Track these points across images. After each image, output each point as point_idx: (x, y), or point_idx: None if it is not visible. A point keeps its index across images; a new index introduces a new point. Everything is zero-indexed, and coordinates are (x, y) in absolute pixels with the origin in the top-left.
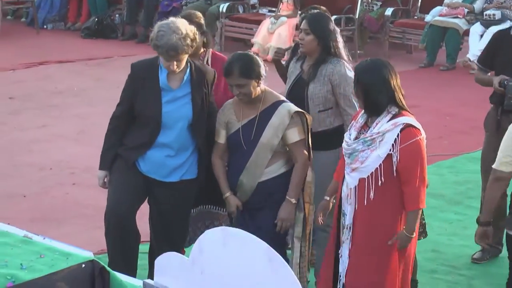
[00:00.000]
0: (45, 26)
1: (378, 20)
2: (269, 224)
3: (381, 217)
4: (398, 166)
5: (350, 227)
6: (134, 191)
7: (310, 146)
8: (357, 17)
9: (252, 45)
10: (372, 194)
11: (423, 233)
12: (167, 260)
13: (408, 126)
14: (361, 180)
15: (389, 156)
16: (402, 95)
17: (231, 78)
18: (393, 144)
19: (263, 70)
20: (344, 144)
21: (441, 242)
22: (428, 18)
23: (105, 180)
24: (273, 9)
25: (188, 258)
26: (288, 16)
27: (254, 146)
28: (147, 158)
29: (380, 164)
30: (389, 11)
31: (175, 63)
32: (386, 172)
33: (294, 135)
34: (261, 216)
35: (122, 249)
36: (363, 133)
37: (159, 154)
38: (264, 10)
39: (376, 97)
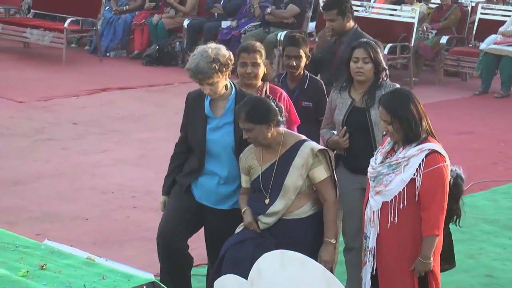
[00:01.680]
0: (107, 54)
1: (433, 48)
2: None
3: (402, 241)
4: (420, 190)
5: (373, 250)
6: (186, 216)
7: (337, 183)
8: (412, 45)
9: None
10: (395, 218)
11: (447, 262)
12: (226, 282)
13: (433, 152)
14: (385, 204)
15: (412, 181)
16: (428, 120)
17: (240, 121)
18: (417, 169)
19: (273, 114)
20: (369, 168)
21: (495, 267)
22: (483, 46)
23: (166, 204)
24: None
25: (246, 280)
26: None
27: (278, 190)
28: (199, 184)
29: (404, 188)
30: (444, 39)
31: (207, 87)
32: (409, 196)
33: (321, 173)
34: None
35: (172, 272)
36: (388, 158)
37: (210, 181)
38: None
39: (417, 128)
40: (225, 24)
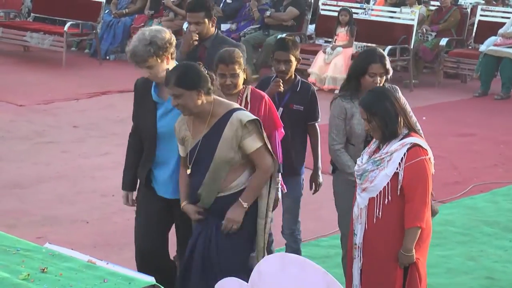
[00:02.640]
0: (107, 57)
1: (433, 50)
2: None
3: (388, 235)
4: (402, 183)
5: (360, 246)
6: (157, 219)
7: (271, 151)
8: (412, 47)
9: (309, 75)
10: (380, 213)
11: None
12: (226, 284)
13: (415, 145)
14: (371, 200)
15: (396, 175)
16: (409, 116)
17: (168, 87)
18: (399, 163)
19: (204, 81)
20: (355, 167)
21: (496, 269)
22: (483, 48)
23: (128, 199)
24: (329, 39)
25: (247, 283)
26: (344, 46)
27: (209, 163)
28: (155, 177)
29: (388, 182)
30: (443, 41)
31: (145, 70)
32: (393, 190)
33: (253, 144)
34: (222, 249)
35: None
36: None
37: (163, 172)
38: (320, 41)
39: (392, 124)
40: (224, 27)
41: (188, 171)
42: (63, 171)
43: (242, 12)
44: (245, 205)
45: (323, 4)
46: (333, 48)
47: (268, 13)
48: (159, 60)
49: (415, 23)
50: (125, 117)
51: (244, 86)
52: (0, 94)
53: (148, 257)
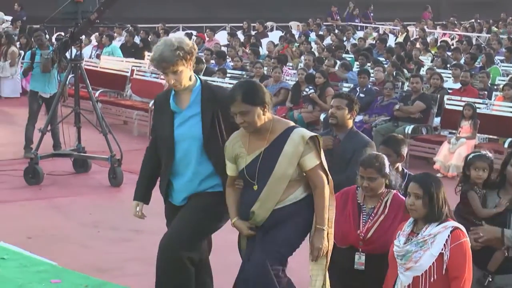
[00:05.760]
0: None
1: None
2: (285, 234)
3: None
4: (448, 263)
5: None
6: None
7: (327, 169)
8: None
9: (434, 162)
10: None
11: None
12: None
13: (456, 228)
14: (415, 278)
15: (440, 255)
16: (450, 207)
17: (234, 105)
18: (444, 244)
19: (268, 97)
20: (395, 248)
21: None
22: None
23: (137, 209)
24: (453, 131)
25: None
26: (467, 138)
27: (266, 178)
28: (175, 189)
29: (433, 262)
30: None
31: (171, 76)
32: (438, 269)
33: (312, 161)
34: (277, 229)
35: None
36: (411, 239)
37: (179, 181)
38: (445, 132)
39: (440, 209)
40: (358, 118)
41: (255, 188)
42: None
43: (373, 105)
44: (324, 227)
45: (448, 99)
46: (457, 139)
47: (397, 106)
48: (186, 65)
49: None
50: None
51: (387, 190)
52: None
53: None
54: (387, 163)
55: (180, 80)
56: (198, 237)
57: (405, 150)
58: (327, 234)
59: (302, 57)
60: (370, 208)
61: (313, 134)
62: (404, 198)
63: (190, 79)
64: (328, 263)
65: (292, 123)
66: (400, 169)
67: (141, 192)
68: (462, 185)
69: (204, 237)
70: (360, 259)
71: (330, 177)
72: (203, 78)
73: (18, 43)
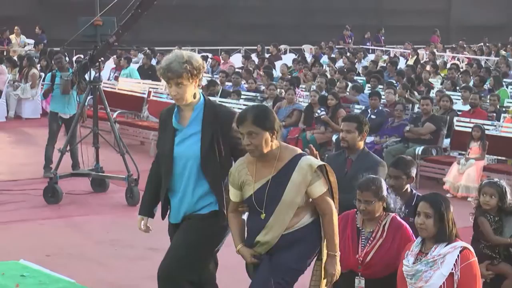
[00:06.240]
0: None
1: None
2: (291, 260)
3: None
4: (458, 282)
5: None
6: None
7: (334, 194)
8: None
9: (444, 183)
10: None
11: None
12: None
13: (465, 248)
14: None
15: (450, 275)
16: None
17: (243, 125)
18: (454, 264)
19: (277, 124)
20: (404, 267)
21: None
22: None
23: (142, 224)
24: (463, 152)
25: None
26: (476, 159)
27: (274, 206)
28: (172, 206)
29: (444, 282)
30: None
31: (174, 88)
32: None
33: (320, 188)
34: (284, 253)
35: None
36: (419, 259)
37: (174, 199)
38: (454, 153)
39: (450, 230)
40: (369, 138)
41: (263, 216)
42: None
43: (384, 126)
44: (337, 254)
45: (457, 121)
46: (466, 160)
47: (407, 128)
48: (191, 80)
49: None
50: None
51: (385, 213)
52: None
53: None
54: (384, 186)
55: (182, 93)
56: (194, 260)
57: (414, 171)
58: (323, 256)
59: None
60: (368, 232)
61: (321, 163)
62: (402, 221)
63: (194, 97)
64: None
65: (299, 150)
66: (409, 190)
67: (146, 207)
68: (475, 211)
69: (202, 259)
70: (360, 283)
71: (337, 203)
72: (219, 99)
73: (39, 65)
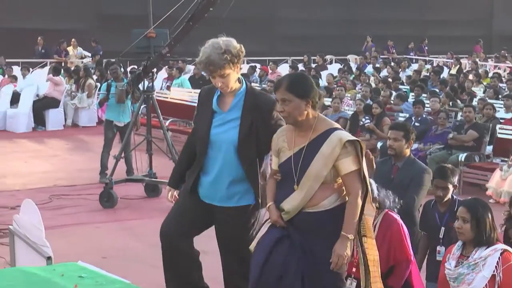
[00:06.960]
0: None
1: None
2: (327, 257)
3: None
4: (500, 284)
5: None
6: (189, 215)
7: (366, 177)
8: None
9: (486, 189)
10: None
11: None
12: None
13: (505, 251)
14: None
15: (492, 277)
16: (498, 232)
17: (278, 91)
18: (496, 266)
19: (315, 94)
20: (446, 271)
21: None
22: None
23: (169, 195)
24: (505, 159)
25: None
26: None
27: (301, 176)
28: (202, 183)
29: (486, 284)
30: None
31: (219, 79)
32: None
33: (348, 166)
34: (317, 248)
35: (173, 270)
36: (461, 262)
37: (211, 180)
38: (497, 160)
39: (488, 234)
40: (413, 146)
41: (296, 187)
42: None
43: (428, 134)
44: (350, 236)
45: (500, 128)
46: (509, 166)
47: (450, 135)
48: (233, 68)
49: None
50: None
51: (378, 211)
52: None
53: (169, 240)
54: (375, 187)
55: (227, 83)
56: (249, 255)
57: (456, 179)
58: (367, 245)
59: (358, 87)
60: None
61: (353, 138)
62: (395, 215)
63: (237, 82)
64: (378, 274)
65: (336, 125)
66: (450, 196)
67: (175, 178)
68: (505, 222)
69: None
70: (351, 285)
71: (369, 187)
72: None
73: (95, 76)
